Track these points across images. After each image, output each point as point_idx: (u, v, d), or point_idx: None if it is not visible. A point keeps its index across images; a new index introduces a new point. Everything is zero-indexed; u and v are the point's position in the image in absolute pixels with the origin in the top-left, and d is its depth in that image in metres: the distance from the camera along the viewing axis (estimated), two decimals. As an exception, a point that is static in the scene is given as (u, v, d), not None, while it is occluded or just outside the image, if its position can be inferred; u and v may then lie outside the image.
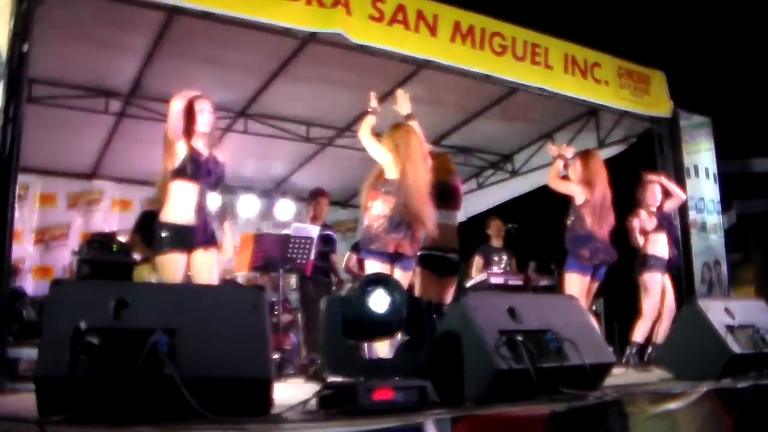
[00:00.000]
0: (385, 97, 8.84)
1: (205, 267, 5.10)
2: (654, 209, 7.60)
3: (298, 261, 7.23)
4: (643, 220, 7.51)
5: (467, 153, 11.03)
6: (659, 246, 7.45)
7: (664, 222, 7.61)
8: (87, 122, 8.75)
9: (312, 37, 7.04)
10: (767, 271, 13.03)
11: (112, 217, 10.58)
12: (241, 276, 8.38)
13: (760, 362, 4.98)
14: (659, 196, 7.55)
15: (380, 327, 3.63)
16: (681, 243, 9.12)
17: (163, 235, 5.02)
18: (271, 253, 7.14)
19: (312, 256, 7.36)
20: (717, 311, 5.27)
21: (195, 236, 5.05)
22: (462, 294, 4.06)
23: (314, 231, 7.53)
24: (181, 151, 5.12)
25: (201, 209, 5.10)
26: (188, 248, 5.05)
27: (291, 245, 7.18)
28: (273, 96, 8.70)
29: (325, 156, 10.49)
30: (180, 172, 5.09)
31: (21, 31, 5.46)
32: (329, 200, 8.02)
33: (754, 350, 5.11)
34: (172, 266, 4.96)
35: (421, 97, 8.89)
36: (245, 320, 3.27)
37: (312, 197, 8.17)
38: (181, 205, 5.07)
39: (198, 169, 5.11)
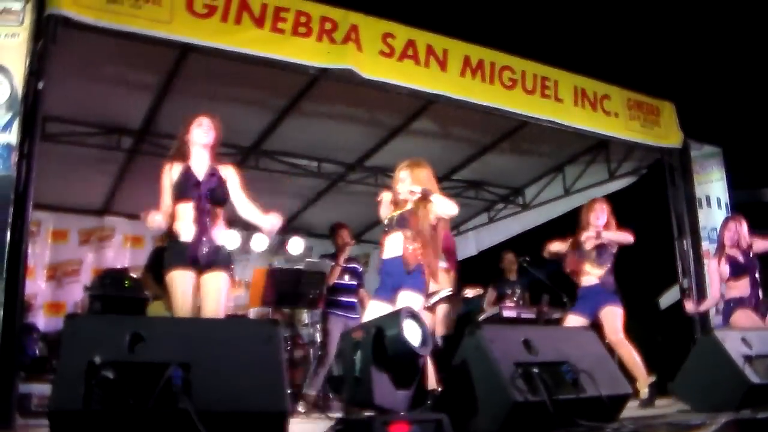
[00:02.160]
0: (396, 132, 8.93)
1: (212, 290, 4.95)
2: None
3: (311, 296, 7.22)
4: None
5: (478, 187, 11.02)
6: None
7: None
8: (99, 159, 8.81)
9: (323, 73, 7.07)
10: None
11: (124, 253, 10.62)
12: (254, 311, 8.37)
13: (780, 393, 4.93)
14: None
15: (414, 360, 3.61)
16: (694, 273, 9.09)
17: (167, 254, 5.00)
18: (284, 288, 7.14)
19: (324, 291, 7.35)
20: (734, 341, 5.24)
21: (198, 252, 4.93)
22: (476, 327, 4.01)
23: (325, 265, 7.52)
24: (175, 173, 5.12)
25: (201, 228, 4.98)
26: (193, 266, 4.93)
27: (303, 280, 7.18)
28: (284, 132, 8.74)
29: (337, 192, 10.52)
30: (175, 194, 5.07)
31: (36, 70, 5.55)
32: (351, 233, 7.99)
33: None
34: (177, 283, 4.85)
35: (431, 132, 9.00)
36: (260, 354, 3.27)
37: (332, 231, 8.14)
38: (181, 224, 5.01)
39: (190, 187, 5.07)
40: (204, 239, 4.97)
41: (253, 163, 9.25)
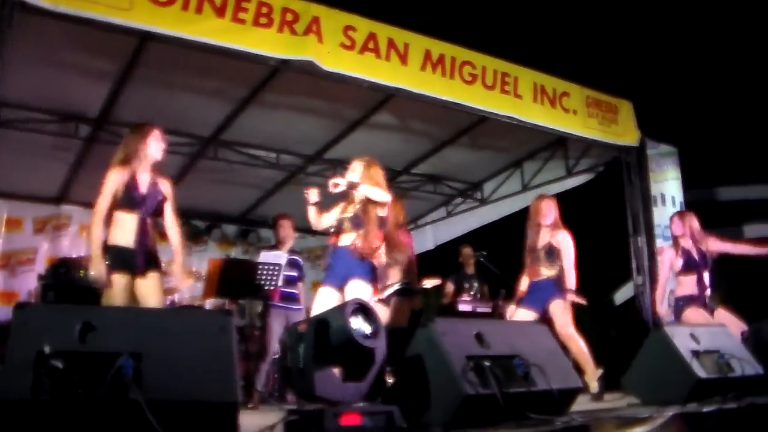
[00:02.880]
0: (356, 125, 8.93)
1: (152, 292, 5.12)
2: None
3: (266, 287, 7.20)
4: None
5: (437, 181, 11.07)
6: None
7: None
8: (56, 146, 8.68)
9: (283, 65, 7.06)
10: (731, 298, 13.09)
11: (81, 242, 10.45)
12: (209, 302, 8.33)
13: (725, 387, 5.05)
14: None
15: (361, 352, 3.61)
16: (648, 270, 9.22)
17: (107, 257, 5.03)
18: (239, 279, 7.10)
19: (279, 283, 7.32)
20: (683, 337, 5.35)
21: (136, 260, 5.08)
22: (429, 319, 4.04)
23: (282, 257, 7.50)
24: (120, 181, 5.16)
25: (142, 237, 5.13)
26: (130, 272, 5.07)
27: (259, 272, 7.15)
28: (244, 123, 8.68)
29: (296, 184, 10.46)
30: (118, 204, 5.12)
31: (-10, 55, 5.46)
32: (294, 224, 7.95)
33: (719, 375, 5.19)
34: (115, 288, 4.98)
35: (391, 125, 9.01)
36: (212, 344, 3.26)
37: (274, 222, 8.13)
38: (119, 230, 5.12)
39: (135, 200, 5.14)
40: (143, 248, 5.12)
41: (212, 153, 9.20)
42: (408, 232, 7.68)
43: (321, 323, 3.61)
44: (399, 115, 8.84)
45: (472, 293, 8.95)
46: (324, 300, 5.25)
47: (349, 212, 5.50)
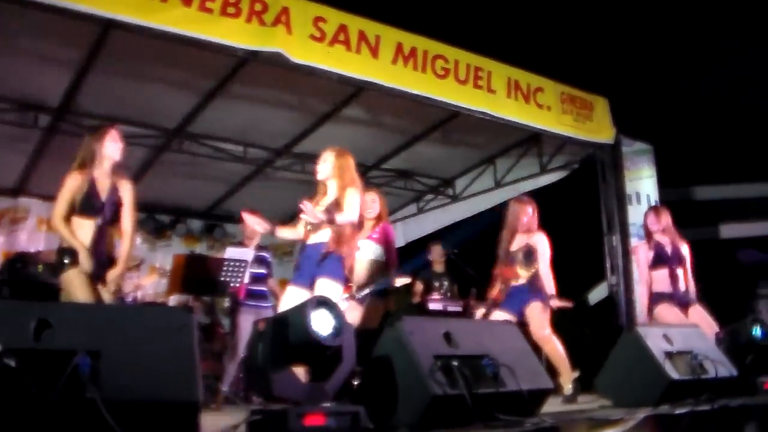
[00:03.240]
0: (326, 119, 8.92)
1: (108, 298, 5.17)
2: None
3: (231, 284, 7.17)
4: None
5: (407, 177, 11.10)
6: None
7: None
8: (14, 137, 8.57)
9: (252, 56, 7.03)
10: (708, 301, 13.17)
11: (38, 236, 10.32)
12: (173, 299, 8.29)
13: (698, 388, 5.08)
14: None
15: (322, 351, 3.61)
16: (623, 270, 9.31)
17: (65, 258, 5.05)
18: (204, 275, 7.07)
19: (246, 280, 7.30)
20: (656, 338, 5.41)
21: (94, 264, 5.11)
22: (397, 318, 4.04)
23: (249, 254, 7.48)
24: (77, 187, 5.13)
25: (98, 245, 5.16)
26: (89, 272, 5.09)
27: (224, 268, 7.12)
28: (210, 115, 8.63)
29: (263, 178, 10.45)
30: (77, 210, 5.13)
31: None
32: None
33: (692, 376, 5.26)
34: (76, 282, 4.99)
35: (361, 119, 9.02)
36: (173, 342, 3.24)
37: (241, 218, 8.06)
38: (77, 234, 5.14)
39: (94, 207, 5.15)
40: (98, 255, 5.15)
41: (177, 146, 9.15)
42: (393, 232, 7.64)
43: (280, 321, 3.60)
44: (370, 109, 8.85)
45: (442, 292, 8.94)
46: (292, 300, 5.19)
47: (321, 206, 5.41)
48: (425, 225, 12.06)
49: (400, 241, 12.16)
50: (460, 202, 11.53)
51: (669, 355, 5.27)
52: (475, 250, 9.61)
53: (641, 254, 7.35)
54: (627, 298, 9.20)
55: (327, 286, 5.08)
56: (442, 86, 7.87)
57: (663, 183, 10.29)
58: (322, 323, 3.54)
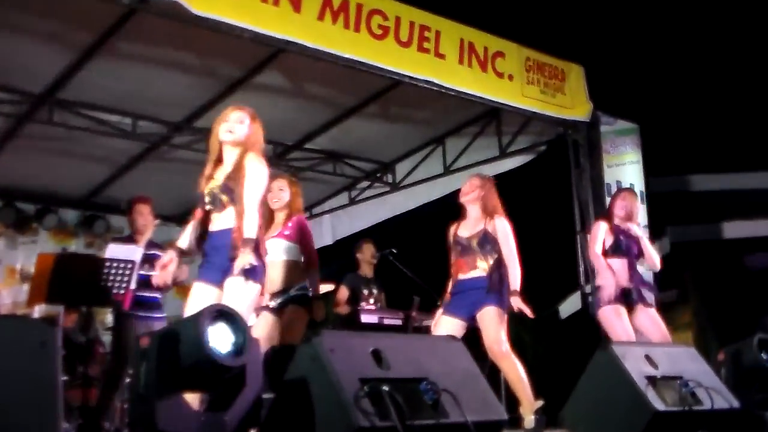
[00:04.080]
0: (236, 86, 8.89)
1: None
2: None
3: (115, 291, 7.11)
4: None
5: (337, 159, 11.16)
6: None
7: None
8: None
9: (141, 4, 6.98)
10: (708, 315, 13.29)
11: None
12: (38, 310, 8.19)
13: (690, 423, 5.12)
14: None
15: (221, 374, 3.61)
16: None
17: None
18: (79, 280, 7.01)
19: (132, 285, 7.26)
20: (636, 359, 5.38)
21: None
22: (314, 332, 4.07)
23: (137, 252, 7.42)
24: None
25: None
26: None
27: (105, 270, 7.06)
28: (89, 78, 8.52)
29: (158, 158, 10.38)
30: None
31: None
32: (153, 210, 7.86)
33: (681, 407, 5.21)
34: None
35: (280, 88, 9.02)
36: (29, 364, 3.19)
37: (128, 207, 8.00)
38: None
39: None
40: None
41: (46, 116, 9.00)
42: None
43: (168, 336, 3.59)
44: (290, 76, 8.87)
45: (371, 301, 8.93)
46: (198, 300, 5.02)
47: (217, 179, 5.27)
48: (359, 219, 12.15)
49: (327, 239, 12.22)
50: (402, 192, 11.64)
51: (652, 380, 5.23)
52: (418, 250, 9.69)
53: (600, 230, 7.32)
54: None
55: (239, 287, 5.00)
56: (380, 49, 7.92)
57: (651, 171, 10.46)
58: (220, 339, 3.52)
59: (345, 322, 8.69)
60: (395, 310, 8.90)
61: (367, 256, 9.25)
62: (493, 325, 6.42)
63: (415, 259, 9.08)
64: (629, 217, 7.34)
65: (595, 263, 7.33)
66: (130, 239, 7.76)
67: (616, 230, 7.25)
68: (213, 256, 5.22)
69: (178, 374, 3.51)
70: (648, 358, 5.45)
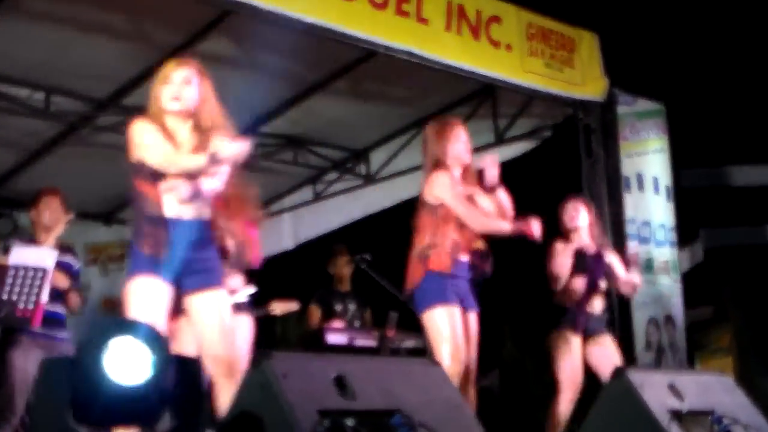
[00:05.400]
0: (175, 54, 8.89)
1: None
2: None
3: (20, 306, 7.10)
4: None
5: (299, 146, 11.23)
6: None
7: None
8: None
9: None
10: (752, 337, 13.32)
11: None
12: None
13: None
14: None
15: (130, 406, 3.54)
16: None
17: None
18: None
19: (44, 298, 7.25)
20: (657, 389, 5.41)
21: None
22: (265, 354, 4.11)
23: (49, 257, 7.37)
24: None
25: None
26: None
27: (9, 280, 7.07)
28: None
29: (77, 142, 10.35)
30: None
31: None
32: (66, 205, 7.82)
33: None
34: None
35: (229, 58, 9.01)
36: None
37: (35, 201, 7.91)
38: None
39: None
40: None
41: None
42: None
43: (62, 363, 3.58)
44: (241, 43, 8.89)
45: (347, 318, 8.94)
46: (147, 299, 5.00)
47: (185, 144, 5.31)
48: (326, 218, 12.18)
49: (288, 242, 12.21)
50: (378, 185, 11.73)
51: (677, 415, 5.27)
52: (397, 256, 9.74)
53: (560, 251, 7.63)
54: (622, 327, 9.30)
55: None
56: (349, 11, 7.93)
57: (681, 161, 10.54)
58: (123, 360, 3.43)
59: (307, 343, 8.65)
60: (368, 329, 8.95)
61: (340, 267, 9.31)
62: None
63: (393, 267, 9.09)
64: (591, 230, 7.56)
65: None
66: (35, 241, 7.69)
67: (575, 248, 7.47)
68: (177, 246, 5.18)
69: (78, 409, 3.42)
70: (672, 387, 5.48)
